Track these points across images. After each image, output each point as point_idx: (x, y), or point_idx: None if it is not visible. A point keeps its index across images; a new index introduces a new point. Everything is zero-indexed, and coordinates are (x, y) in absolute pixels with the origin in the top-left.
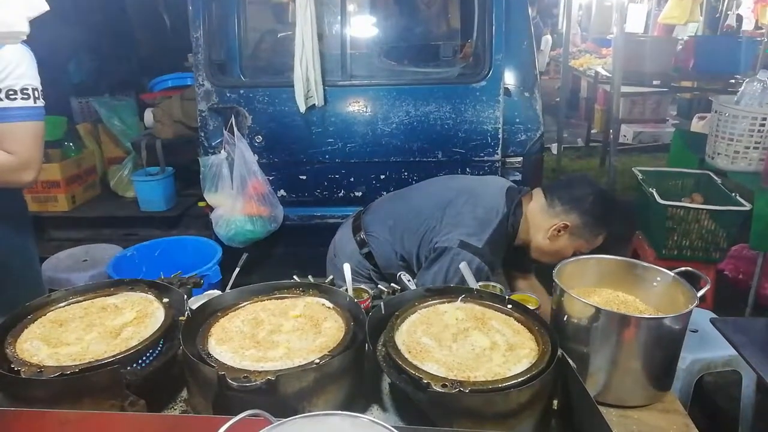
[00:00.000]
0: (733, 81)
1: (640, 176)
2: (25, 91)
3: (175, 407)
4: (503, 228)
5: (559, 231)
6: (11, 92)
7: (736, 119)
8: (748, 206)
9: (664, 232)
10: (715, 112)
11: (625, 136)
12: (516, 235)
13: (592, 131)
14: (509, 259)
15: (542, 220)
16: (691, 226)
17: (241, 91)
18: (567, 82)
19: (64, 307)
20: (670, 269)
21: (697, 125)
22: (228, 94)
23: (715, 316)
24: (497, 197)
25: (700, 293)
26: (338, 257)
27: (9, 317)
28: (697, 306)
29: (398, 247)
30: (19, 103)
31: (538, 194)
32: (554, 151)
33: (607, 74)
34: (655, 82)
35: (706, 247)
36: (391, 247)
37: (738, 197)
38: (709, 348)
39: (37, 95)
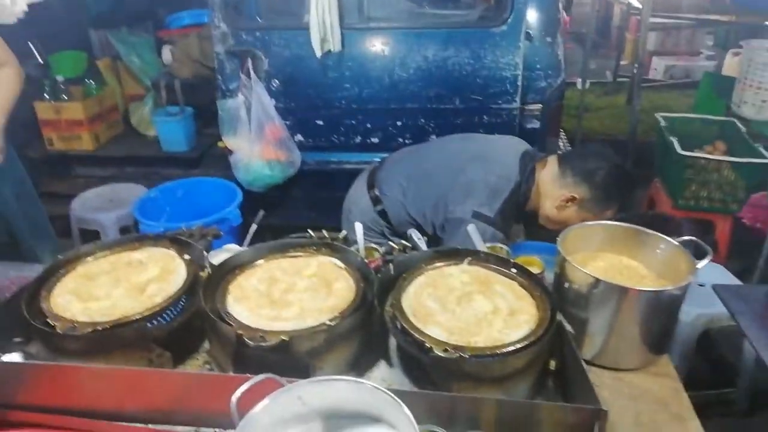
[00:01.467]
0: None
1: (662, 123)
2: None
3: (198, 357)
4: (515, 196)
5: (567, 202)
6: None
7: (767, 67)
8: None
9: (682, 182)
10: (745, 57)
11: (656, 69)
12: (527, 202)
13: (622, 62)
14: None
15: (552, 189)
16: (711, 177)
17: (257, 33)
18: (596, 8)
19: (92, 261)
20: (686, 219)
21: (731, 62)
22: (244, 37)
23: (724, 270)
24: (511, 164)
25: (700, 264)
26: (352, 212)
27: (43, 271)
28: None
29: (410, 209)
30: None
31: (552, 162)
32: (579, 86)
33: (639, 5)
34: (689, 14)
35: (724, 198)
36: (403, 208)
37: (762, 149)
38: (714, 303)
39: None
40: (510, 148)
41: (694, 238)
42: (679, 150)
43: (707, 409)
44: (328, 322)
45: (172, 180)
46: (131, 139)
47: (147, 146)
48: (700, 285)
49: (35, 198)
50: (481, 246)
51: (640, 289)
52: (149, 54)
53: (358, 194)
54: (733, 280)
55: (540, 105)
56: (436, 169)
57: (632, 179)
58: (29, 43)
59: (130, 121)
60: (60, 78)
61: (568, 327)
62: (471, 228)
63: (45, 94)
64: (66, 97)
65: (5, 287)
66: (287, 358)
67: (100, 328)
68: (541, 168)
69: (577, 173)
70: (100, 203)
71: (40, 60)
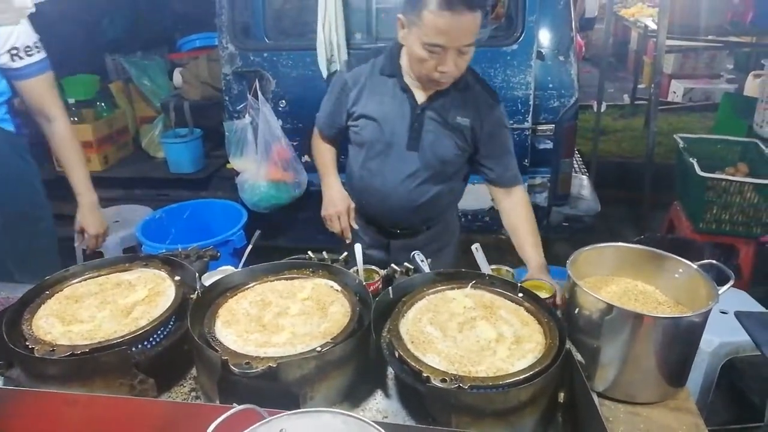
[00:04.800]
0: None
1: (681, 144)
2: (37, 44)
3: (185, 384)
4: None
5: (402, 27)
6: (27, 48)
7: None
8: None
9: (702, 204)
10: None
11: (675, 92)
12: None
13: (640, 86)
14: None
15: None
16: (733, 199)
17: (265, 54)
18: (610, 32)
19: (80, 282)
20: (708, 243)
21: (753, 84)
22: (252, 58)
23: (748, 297)
24: None
25: (722, 290)
26: None
27: (28, 292)
28: (720, 296)
29: None
30: (36, 56)
31: None
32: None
33: (656, 27)
34: (708, 36)
35: (747, 222)
36: None
37: None
38: (738, 331)
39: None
40: None
41: (714, 261)
42: (699, 171)
43: None
44: (318, 349)
45: (180, 202)
46: (140, 161)
47: (155, 168)
48: (723, 312)
49: (41, 236)
50: (487, 269)
51: (657, 315)
52: (160, 77)
53: None
54: (757, 308)
55: (553, 125)
56: None
57: None
58: None
59: (141, 143)
60: (71, 100)
61: (578, 356)
62: (475, 248)
63: None
64: (76, 119)
65: None
66: (275, 387)
67: (78, 352)
68: None
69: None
70: None
71: None
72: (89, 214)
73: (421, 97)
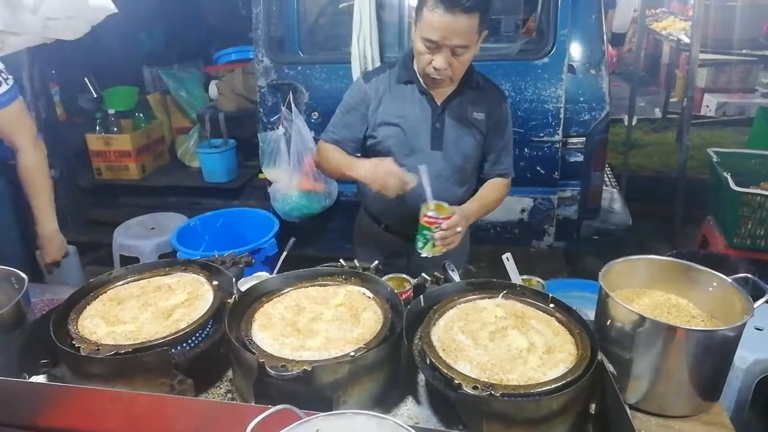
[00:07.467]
0: None
1: (714, 158)
2: (4, 74)
3: (221, 386)
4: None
5: (413, 26)
6: None
7: None
8: None
9: (736, 220)
10: None
11: (707, 106)
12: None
13: (672, 100)
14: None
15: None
16: None
17: (299, 68)
18: (642, 45)
19: (123, 285)
20: (742, 259)
21: None
22: (286, 71)
23: None
24: None
25: (758, 304)
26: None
27: (74, 293)
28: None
29: None
30: (4, 86)
31: None
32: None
33: (688, 41)
34: (742, 50)
35: None
36: None
37: None
38: None
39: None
40: None
41: (750, 275)
42: (733, 186)
43: None
44: (352, 353)
45: (213, 210)
46: (176, 171)
47: (190, 177)
48: (758, 329)
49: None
50: (517, 279)
51: (690, 328)
52: (197, 89)
53: None
54: None
55: (583, 138)
56: None
57: None
58: (85, 78)
59: (176, 153)
60: (111, 111)
61: (610, 367)
62: (505, 257)
63: (96, 127)
64: (116, 130)
65: (38, 309)
66: (310, 390)
67: (122, 351)
68: None
69: None
70: (141, 231)
71: (94, 94)
72: (47, 243)
73: (439, 97)
